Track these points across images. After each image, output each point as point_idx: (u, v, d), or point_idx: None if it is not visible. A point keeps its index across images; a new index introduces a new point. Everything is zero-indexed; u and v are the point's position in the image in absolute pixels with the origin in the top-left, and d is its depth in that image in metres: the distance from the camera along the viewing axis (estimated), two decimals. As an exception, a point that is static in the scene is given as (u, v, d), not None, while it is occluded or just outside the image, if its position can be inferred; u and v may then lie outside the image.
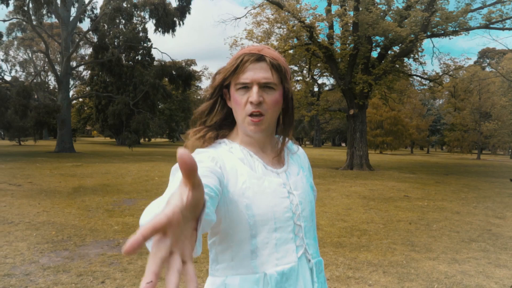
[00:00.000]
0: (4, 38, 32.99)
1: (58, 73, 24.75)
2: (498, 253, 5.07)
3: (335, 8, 17.13)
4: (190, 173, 0.51)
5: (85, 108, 50.39)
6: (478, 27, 17.00)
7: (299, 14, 16.35)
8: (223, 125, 1.15)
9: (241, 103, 1.05)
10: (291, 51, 18.73)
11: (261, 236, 1.01)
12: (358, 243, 5.39)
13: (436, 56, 19.26)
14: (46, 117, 21.19)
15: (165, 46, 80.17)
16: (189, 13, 27.16)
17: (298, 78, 22.71)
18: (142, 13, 27.66)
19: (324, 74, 24.45)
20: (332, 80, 23.40)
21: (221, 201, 0.97)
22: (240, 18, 20.01)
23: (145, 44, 34.70)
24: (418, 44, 16.69)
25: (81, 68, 45.28)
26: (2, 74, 33.66)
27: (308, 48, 17.44)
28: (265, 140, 1.12)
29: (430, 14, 15.76)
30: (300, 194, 1.10)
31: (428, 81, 20.74)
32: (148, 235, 0.45)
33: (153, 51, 38.07)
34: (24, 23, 27.65)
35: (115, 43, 32.07)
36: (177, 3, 27.00)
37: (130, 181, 11.58)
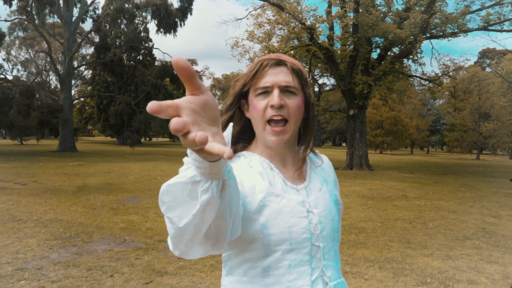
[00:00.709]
0: (6, 38, 33.16)
1: (61, 73, 24.96)
2: (491, 250, 5.26)
3: (335, 10, 17.32)
4: (189, 76, 0.55)
5: (87, 108, 50.60)
6: (476, 29, 17.19)
7: (300, 15, 16.53)
8: (242, 139, 1.11)
9: (261, 109, 1.01)
10: (291, 52, 18.92)
11: (275, 256, 0.97)
12: (356, 240, 5.57)
13: (435, 57, 19.38)
14: (49, 117, 21.42)
15: (166, 46, 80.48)
16: (191, 14, 27.42)
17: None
18: (144, 14, 27.83)
19: (324, 74, 24.63)
20: (332, 80, 23.54)
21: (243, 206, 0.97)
22: (241, 19, 20.21)
23: (146, 44, 34.90)
24: (417, 46, 16.87)
25: (82, 68, 45.46)
26: (4, 74, 33.82)
27: (309, 49, 17.62)
28: (286, 153, 1.07)
29: (429, 16, 15.95)
30: (321, 212, 1.03)
31: (428, 82, 20.92)
32: (163, 106, 0.53)
33: (155, 51, 38.30)
34: (26, 22, 27.84)
35: (117, 43, 32.27)
36: (179, 4, 27.22)
37: (133, 180, 11.77)
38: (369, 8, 16.05)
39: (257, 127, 1.04)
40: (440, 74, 20.15)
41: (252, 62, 19.36)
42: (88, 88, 43.89)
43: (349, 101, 18.27)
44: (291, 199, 1.01)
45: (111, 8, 25.62)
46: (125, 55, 33.28)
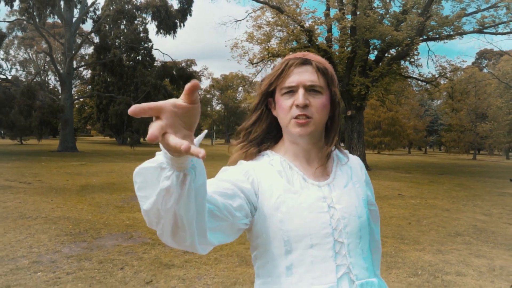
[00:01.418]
0: (5, 38, 33.33)
1: (61, 73, 25.17)
2: (480, 246, 5.53)
3: (333, 12, 17.60)
4: (194, 92, 0.63)
5: (86, 108, 50.76)
6: (472, 32, 17.50)
7: (299, 17, 16.80)
8: (267, 138, 1.14)
9: (287, 107, 1.03)
10: (290, 53, 19.16)
11: (297, 253, 0.97)
12: (352, 237, 5.83)
13: (431, 59, 19.77)
14: (50, 117, 21.65)
15: (164, 46, 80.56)
16: (190, 15, 27.67)
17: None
18: (144, 15, 28.06)
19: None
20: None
21: (257, 216, 0.99)
22: (240, 20, 20.49)
23: (146, 45, 35.12)
24: (414, 48, 17.15)
25: (81, 68, 45.67)
26: (4, 73, 34.05)
27: (307, 50, 17.87)
28: (311, 149, 1.08)
29: (425, 18, 16.24)
30: (344, 208, 1.02)
31: (425, 83, 21.21)
32: (145, 107, 0.60)
33: (154, 51, 38.54)
34: (25, 22, 28.05)
35: (116, 44, 32.49)
36: (179, 5, 27.47)
37: (134, 179, 12.00)
38: (367, 11, 16.33)
39: (283, 123, 1.06)
40: (436, 76, 20.45)
41: (251, 63, 19.65)
42: (88, 88, 44.07)
43: (347, 102, 18.54)
44: (310, 195, 1.01)
45: (111, 9, 25.86)
46: (125, 55, 33.49)
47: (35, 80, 34.93)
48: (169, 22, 26.07)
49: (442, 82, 22.10)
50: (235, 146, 1.12)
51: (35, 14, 21.54)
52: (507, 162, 38.59)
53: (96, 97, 36.38)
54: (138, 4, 26.38)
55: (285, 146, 1.10)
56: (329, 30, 18.22)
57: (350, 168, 1.13)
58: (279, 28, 18.29)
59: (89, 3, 26.81)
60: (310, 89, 1.02)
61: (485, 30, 17.66)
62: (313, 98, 1.02)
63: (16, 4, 22.54)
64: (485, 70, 49.46)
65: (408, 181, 14.06)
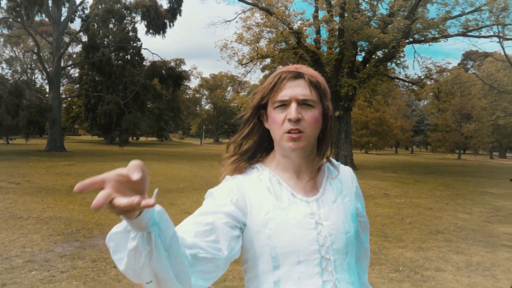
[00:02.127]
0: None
1: (49, 72, 25.00)
2: (459, 243, 5.78)
3: (322, 14, 17.84)
4: (133, 173, 0.65)
5: (74, 107, 50.34)
6: (456, 34, 17.93)
7: (288, 19, 17.01)
8: (258, 150, 1.15)
9: (279, 121, 1.02)
10: (279, 54, 19.38)
11: (284, 269, 0.98)
12: (337, 235, 6.04)
13: (417, 61, 20.18)
14: (37, 116, 21.52)
15: (154, 45, 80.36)
16: (180, 15, 27.71)
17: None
18: (133, 14, 28.00)
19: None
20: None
21: (245, 232, 1.00)
22: (230, 21, 20.61)
23: (134, 44, 35.01)
24: (400, 50, 17.50)
25: (69, 67, 45.28)
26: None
27: (296, 52, 18.11)
28: (302, 162, 1.09)
29: (411, 21, 16.59)
30: (331, 225, 1.03)
31: (411, 84, 21.62)
32: (87, 183, 0.63)
33: (143, 51, 38.43)
34: (11, 20, 27.77)
35: (105, 43, 32.33)
36: (168, 5, 27.49)
37: (124, 179, 12.06)
38: (355, 13, 16.61)
39: (275, 136, 1.06)
40: (422, 77, 20.86)
41: (241, 64, 19.81)
42: (75, 87, 43.72)
43: (335, 103, 18.80)
44: (298, 211, 1.02)
45: (99, 7, 25.76)
46: (114, 54, 33.35)
47: (21, 78, 34.55)
48: (159, 22, 26.09)
49: (428, 83, 22.55)
50: (227, 159, 1.12)
51: (22, 12, 21.38)
52: (491, 162, 39.42)
53: (84, 96, 36.14)
54: (127, 4, 26.34)
55: (276, 159, 1.10)
56: (318, 32, 18.47)
57: (340, 182, 1.13)
58: (268, 29, 18.48)
59: (77, 2, 26.69)
60: (303, 103, 1.02)
61: (469, 33, 18.10)
62: (305, 112, 1.02)
63: (3, 3, 22.36)
64: (470, 71, 50.42)
65: (394, 181, 14.37)
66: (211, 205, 0.99)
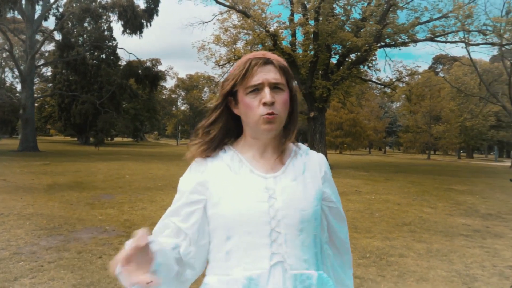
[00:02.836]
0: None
1: (22, 71, 24.52)
2: (422, 233, 6.26)
3: (297, 17, 18.33)
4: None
5: (46, 107, 49.21)
6: (424, 40, 18.78)
7: (264, 22, 17.40)
8: (227, 135, 1.18)
9: (253, 106, 1.06)
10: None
11: (235, 239, 1.03)
12: (311, 227, 6.41)
13: (388, 64, 21.04)
14: (11, 116, 21.11)
15: (129, 45, 79.47)
16: (157, 15, 27.70)
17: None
18: (110, 14, 27.77)
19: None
20: (295, 82, 24.76)
21: (207, 207, 1.09)
22: (207, 22, 20.85)
23: (110, 43, 34.65)
24: (372, 53, 18.17)
25: (42, 65, 44.29)
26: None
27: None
28: (268, 143, 1.13)
29: (382, 26, 17.28)
30: (285, 200, 1.05)
31: (383, 86, 22.40)
32: (123, 261, 0.85)
33: (119, 50, 38.08)
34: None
35: (79, 42, 31.88)
36: (145, 5, 27.42)
37: (102, 178, 12.13)
38: (329, 17, 17.16)
39: (249, 120, 1.08)
40: (394, 80, 21.65)
41: (218, 65, 20.06)
42: (48, 86, 42.79)
43: (310, 104, 19.33)
44: (253, 185, 1.07)
45: (74, 6, 25.45)
46: (88, 53, 32.92)
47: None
48: (136, 22, 26.01)
49: (401, 85, 23.39)
50: (195, 145, 1.17)
51: (-6, 10, 20.95)
52: (458, 161, 41.01)
53: (58, 96, 35.48)
54: (104, 3, 26.12)
55: (244, 141, 1.15)
56: (293, 35, 18.94)
57: (304, 164, 1.15)
58: (245, 31, 18.82)
59: (51, 0, 26.25)
60: (274, 87, 1.06)
61: (436, 38, 18.98)
62: (277, 95, 1.06)
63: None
64: (440, 75, 52.25)
65: (365, 179, 14.95)
66: (177, 209, 1.11)
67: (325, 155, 19.75)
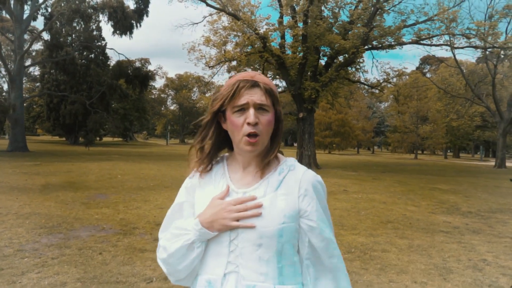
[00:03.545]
0: None
1: (10, 71, 24.42)
2: (405, 230, 6.62)
3: (286, 20, 18.66)
4: None
5: (34, 107, 48.79)
6: (410, 42, 19.26)
7: (254, 24, 17.69)
8: (219, 149, 1.28)
9: (239, 125, 1.13)
10: (245, 57, 20.02)
11: (208, 245, 1.17)
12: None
13: (375, 66, 21.62)
14: (0, 116, 21.06)
15: (118, 44, 79.09)
16: (147, 16, 27.82)
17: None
18: (100, 15, 27.75)
19: (277, 77, 26.03)
20: (284, 83, 25.06)
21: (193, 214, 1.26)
22: (197, 23, 21.04)
23: (99, 43, 34.59)
24: (359, 55, 18.60)
25: (30, 65, 43.93)
26: None
27: (262, 55, 18.82)
28: (251, 159, 1.20)
29: (369, 29, 17.71)
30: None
31: (371, 87, 22.86)
32: None
33: (109, 51, 37.99)
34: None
35: (68, 41, 31.78)
36: (135, 5, 27.50)
37: (94, 178, 12.29)
38: (317, 20, 17.52)
39: (234, 138, 1.17)
40: (381, 81, 22.11)
41: (208, 66, 20.30)
42: (37, 86, 42.47)
43: (299, 105, 19.69)
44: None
45: (62, 5, 25.41)
46: (77, 53, 32.83)
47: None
48: (126, 23, 26.08)
49: (389, 86, 23.88)
50: (195, 163, 1.26)
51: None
52: (444, 161, 41.83)
53: (46, 95, 35.30)
54: (94, 4, 26.14)
55: (234, 154, 1.26)
56: (283, 37, 19.28)
57: (281, 181, 1.17)
58: (235, 33, 19.09)
59: (40, 1, 26.16)
60: (259, 107, 1.13)
61: (421, 41, 19.49)
62: (261, 116, 1.13)
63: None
64: (428, 75, 53.13)
65: (353, 179, 15.34)
66: (177, 217, 1.27)
67: (314, 155, 20.18)
